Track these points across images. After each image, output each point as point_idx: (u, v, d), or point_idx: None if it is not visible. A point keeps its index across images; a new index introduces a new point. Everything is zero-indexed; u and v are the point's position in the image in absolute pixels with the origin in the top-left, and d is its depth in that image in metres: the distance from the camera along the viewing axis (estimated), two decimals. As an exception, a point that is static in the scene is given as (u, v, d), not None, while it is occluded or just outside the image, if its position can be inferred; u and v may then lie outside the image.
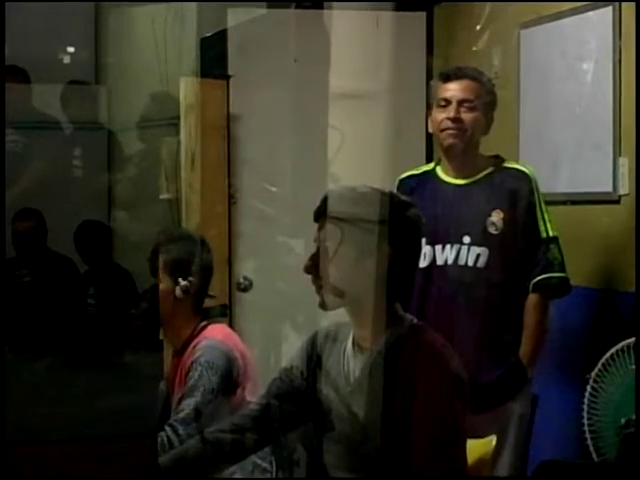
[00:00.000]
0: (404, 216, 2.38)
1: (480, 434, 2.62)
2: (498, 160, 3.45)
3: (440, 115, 3.39)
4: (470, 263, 3.34)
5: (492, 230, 3.34)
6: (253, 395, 3.25)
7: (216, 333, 3.22)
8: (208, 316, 3.30)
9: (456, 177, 3.44)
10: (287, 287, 4.61)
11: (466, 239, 3.35)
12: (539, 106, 4.13)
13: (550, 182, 3.84)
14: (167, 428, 2.95)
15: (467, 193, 3.40)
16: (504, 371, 3.34)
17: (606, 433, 3.43)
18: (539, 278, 3.34)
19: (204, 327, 3.23)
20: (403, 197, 2.46)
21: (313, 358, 2.49)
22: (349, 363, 2.41)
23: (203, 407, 3.06)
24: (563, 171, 3.99)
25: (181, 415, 3.00)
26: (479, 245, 3.34)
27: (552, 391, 3.73)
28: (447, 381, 2.27)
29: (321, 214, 2.38)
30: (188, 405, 3.02)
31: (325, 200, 2.38)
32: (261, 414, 2.51)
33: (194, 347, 3.15)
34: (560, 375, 3.85)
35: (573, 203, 3.91)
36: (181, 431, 2.97)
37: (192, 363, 3.09)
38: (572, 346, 3.85)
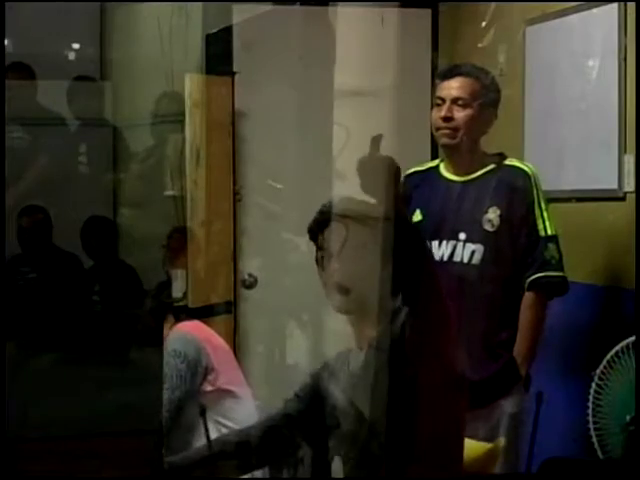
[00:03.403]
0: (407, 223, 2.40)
1: (469, 431, 2.61)
2: (500, 157, 3.44)
3: (435, 114, 3.41)
4: (465, 260, 3.34)
5: (488, 227, 3.34)
6: (232, 385, 3.34)
7: (183, 326, 3.42)
8: (213, 313, 3.43)
9: (456, 174, 3.44)
10: (292, 284, 4.61)
11: (462, 236, 3.35)
12: (544, 103, 4.13)
13: (555, 179, 3.84)
14: None
15: (465, 190, 3.40)
16: (497, 369, 3.34)
17: (611, 430, 3.43)
18: (535, 277, 3.32)
19: (173, 325, 3.41)
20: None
21: (325, 379, 2.50)
22: (351, 362, 2.42)
23: (171, 393, 3.16)
24: (568, 168, 3.99)
25: None
26: (474, 242, 3.34)
27: (557, 388, 3.73)
28: (446, 376, 2.27)
29: (321, 224, 2.40)
30: None
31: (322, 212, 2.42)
32: (271, 429, 2.52)
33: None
34: (565, 372, 3.85)
35: (578, 200, 3.91)
36: None
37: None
38: (577, 343, 3.85)
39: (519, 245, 3.34)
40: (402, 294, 2.40)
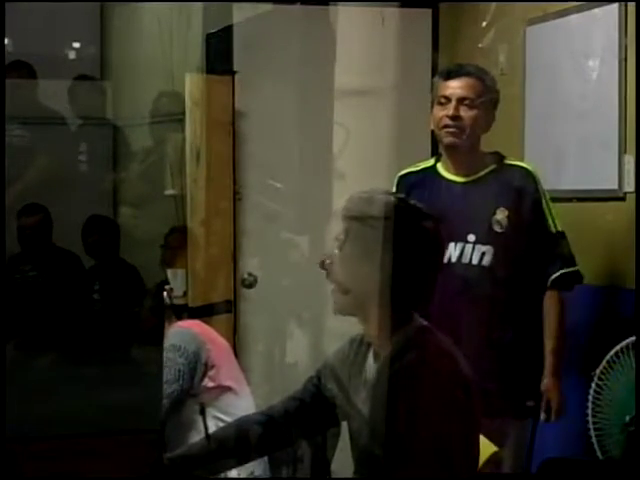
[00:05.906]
0: (420, 225, 2.37)
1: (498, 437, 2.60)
2: (498, 157, 3.44)
3: (440, 112, 3.39)
4: (475, 261, 3.34)
5: (497, 228, 3.34)
6: (232, 381, 3.35)
7: (183, 323, 3.41)
8: (213, 312, 3.44)
9: (458, 174, 3.43)
10: (292, 283, 4.61)
11: (471, 237, 3.34)
12: (545, 103, 4.13)
13: (556, 179, 3.84)
14: None
15: (470, 191, 3.40)
16: (508, 365, 3.35)
17: (610, 431, 3.43)
18: (559, 274, 3.34)
19: (173, 324, 3.47)
20: (424, 209, 2.44)
21: (337, 367, 2.49)
22: (368, 369, 2.41)
23: (169, 387, 3.17)
24: (569, 168, 3.99)
25: None
26: (484, 243, 3.33)
27: (557, 388, 3.73)
28: (451, 385, 2.26)
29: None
30: None
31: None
32: (273, 417, 2.50)
33: None
34: (565, 372, 3.84)
35: (579, 200, 3.91)
36: None
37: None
38: (577, 343, 3.84)
39: (529, 244, 3.35)
40: (413, 299, 2.39)
